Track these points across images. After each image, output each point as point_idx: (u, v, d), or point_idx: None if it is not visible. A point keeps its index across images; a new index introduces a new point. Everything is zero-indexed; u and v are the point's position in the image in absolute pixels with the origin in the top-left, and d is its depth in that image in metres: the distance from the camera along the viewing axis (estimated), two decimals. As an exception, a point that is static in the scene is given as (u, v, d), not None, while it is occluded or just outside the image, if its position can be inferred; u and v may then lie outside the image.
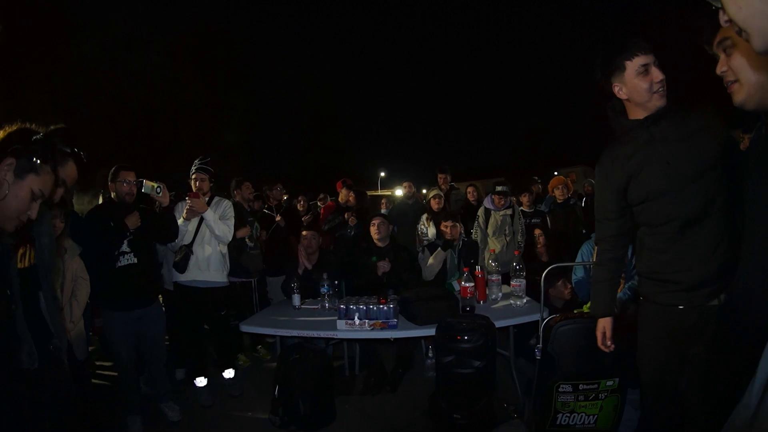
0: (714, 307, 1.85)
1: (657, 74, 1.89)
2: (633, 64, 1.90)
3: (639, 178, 1.96)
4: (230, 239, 4.03)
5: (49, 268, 1.88)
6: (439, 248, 4.67)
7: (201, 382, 3.93)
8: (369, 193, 10.47)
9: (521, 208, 5.77)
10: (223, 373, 4.08)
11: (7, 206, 1.56)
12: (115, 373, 3.70)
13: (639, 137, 1.97)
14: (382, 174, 29.72)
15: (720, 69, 1.49)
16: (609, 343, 2.20)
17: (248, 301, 4.87)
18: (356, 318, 3.19)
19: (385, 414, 3.56)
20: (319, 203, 7.49)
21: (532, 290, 3.72)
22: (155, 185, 3.44)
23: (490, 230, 5.42)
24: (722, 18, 0.96)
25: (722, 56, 1.48)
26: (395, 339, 3.54)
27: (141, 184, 3.38)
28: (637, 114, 1.98)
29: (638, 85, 1.91)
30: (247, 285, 4.91)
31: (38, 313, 1.78)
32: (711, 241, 1.84)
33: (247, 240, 4.61)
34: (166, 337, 4.04)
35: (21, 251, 1.71)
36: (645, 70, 1.89)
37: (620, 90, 1.97)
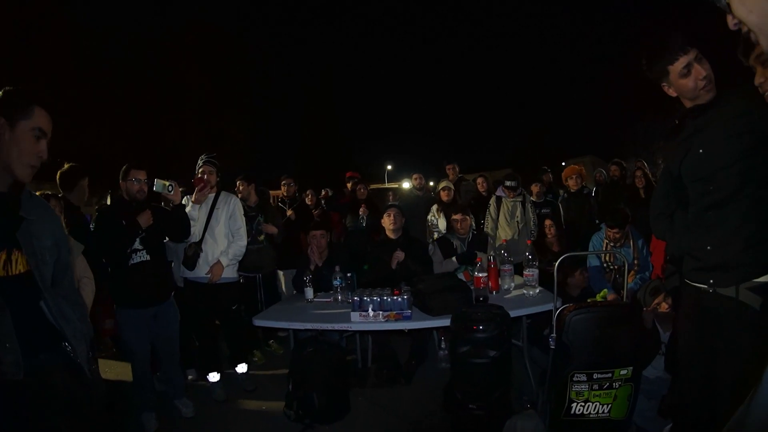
0: (734, 300, 1.89)
1: (700, 71, 1.92)
2: (675, 68, 1.95)
3: (683, 163, 2.06)
4: (244, 243, 4.07)
5: (61, 271, 1.77)
6: (454, 258, 4.60)
7: (214, 377, 3.95)
8: (376, 186, 10.44)
9: (531, 198, 5.75)
10: (236, 368, 4.11)
11: (14, 156, 1.58)
12: (128, 371, 3.71)
13: (688, 125, 2.05)
14: (389, 167, 29.67)
15: (758, 81, 1.60)
16: None
17: (253, 297, 4.86)
18: (370, 309, 3.17)
19: (400, 406, 3.57)
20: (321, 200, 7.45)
21: (544, 280, 3.71)
22: (167, 183, 3.46)
23: (501, 218, 5.41)
24: (731, 22, 0.96)
25: (759, 69, 1.59)
26: (409, 331, 3.53)
27: (152, 183, 3.39)
28: (688, 104, 2.05)
29: (684, 85, 1.97)
30: (251, 281, 4.89)
31: (43, 320, 1.66)
32: (735, 224, 1.89)
33: None
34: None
35: (3, 257, 1.55)
36: (688, 71, 1.93)
37: (669, 89, 2.04)
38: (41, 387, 1.62)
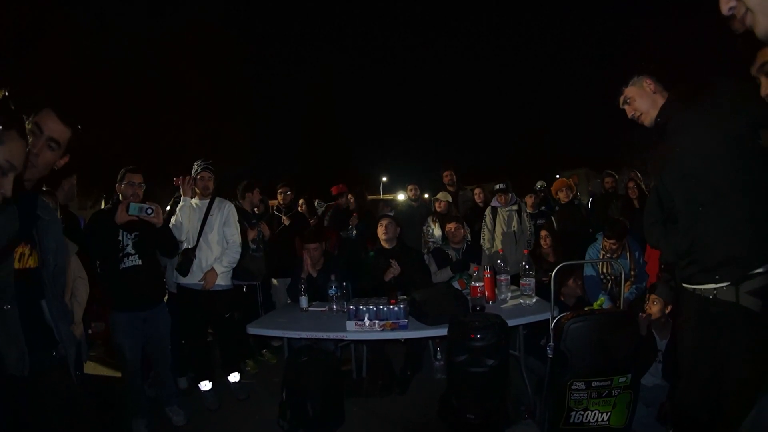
0: (734, 304, 1.91)
1: (627, 111, 2.29)
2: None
3: (664, 170, 2.18)
4: (238, 251, 4.03)
5: (58, 275, 1.80)
6: (449, 267, 4.61)
7: (206, 386, 3.89)
8: (372, 197, 10.40)
9: (527, 209, 5.76)
10: (229, 377, 4.05)
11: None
12: (118, 376, 3.66)
13: (665, 130, 2.18)
14: (384, 179, 29.68)
15: (764, 92, 1.59)
16: None
17: (253, 304, 4.81)
18: (366, 319, 3.13)
19: (395, 416, 3.53)
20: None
21: (540, 291, 3.70)
22: (145, 206, 3.23)
23: (498, 229, 5.41)
24: (725, 6, 0.94)
25: (764, 80, 1.58)
26: (405, 340, 3.48)
27: (149, 186, 3.32)
28: None
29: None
30: (252, 288, 4.88)
31: (41, 318, 1.68)
32: (727, 224, 1.92)
33: (250, 243, 4.58)
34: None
35: (20, 251, 1.60)
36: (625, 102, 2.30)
37: None
38: (37, 387, 1.63)
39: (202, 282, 3.78)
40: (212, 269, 3.80)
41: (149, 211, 3.23)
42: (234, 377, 4.06)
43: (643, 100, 2.22)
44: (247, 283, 4.70)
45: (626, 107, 2.29)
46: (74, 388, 1.79)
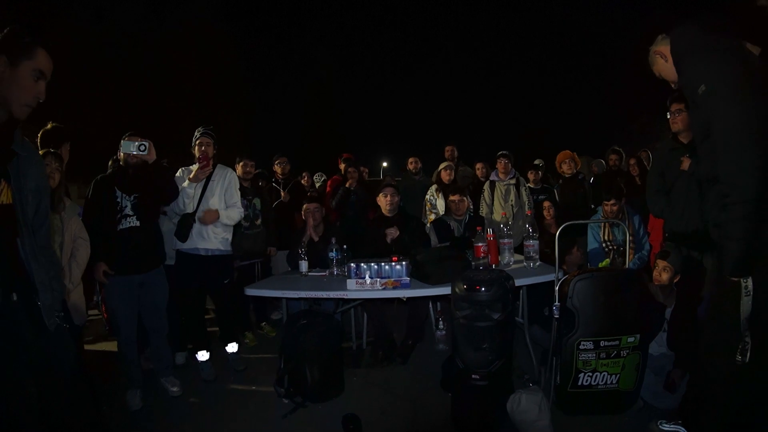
0: None
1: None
2: None
3: None
4: (241, 212, 3.95)
5: (40, 220, 1.76)
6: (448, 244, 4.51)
7: (203, 356, 3.80)
8: (373, 179, 10.39)
9: (528, 184, 5.66)
10: (227, 348, 3.96)
11: (13, 95, 1.61)
12: (114, 349, 3.57)
13: None
14: (384, 164, 29.56)
15: (761, 2, 1.62)
16: None
17: (252, 278, 4.72)
18: (367, 277, 3.06)
19: (397, 385, 3.45)
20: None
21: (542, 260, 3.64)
22: (137, 144, 3.19)
23: (496, 202, 5.33)
24: None
25: None
26: (407, 302, 3.37)
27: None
28: None
29: None
30: (250, 266, 4.82)
31: (15, 258, 1.64)
32: None
33: (242, 221, 4.47)
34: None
35: None
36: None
37: None
38: (9, 333, 1.57)
39: (203, 248, 3.69)
40: (214, 209, 3.70)
41: (142, 147, 3.19)
42: (232, 347, 3.96)
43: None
44: (244, 264, 4.67)
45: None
46: (52, 345, 1.72)
